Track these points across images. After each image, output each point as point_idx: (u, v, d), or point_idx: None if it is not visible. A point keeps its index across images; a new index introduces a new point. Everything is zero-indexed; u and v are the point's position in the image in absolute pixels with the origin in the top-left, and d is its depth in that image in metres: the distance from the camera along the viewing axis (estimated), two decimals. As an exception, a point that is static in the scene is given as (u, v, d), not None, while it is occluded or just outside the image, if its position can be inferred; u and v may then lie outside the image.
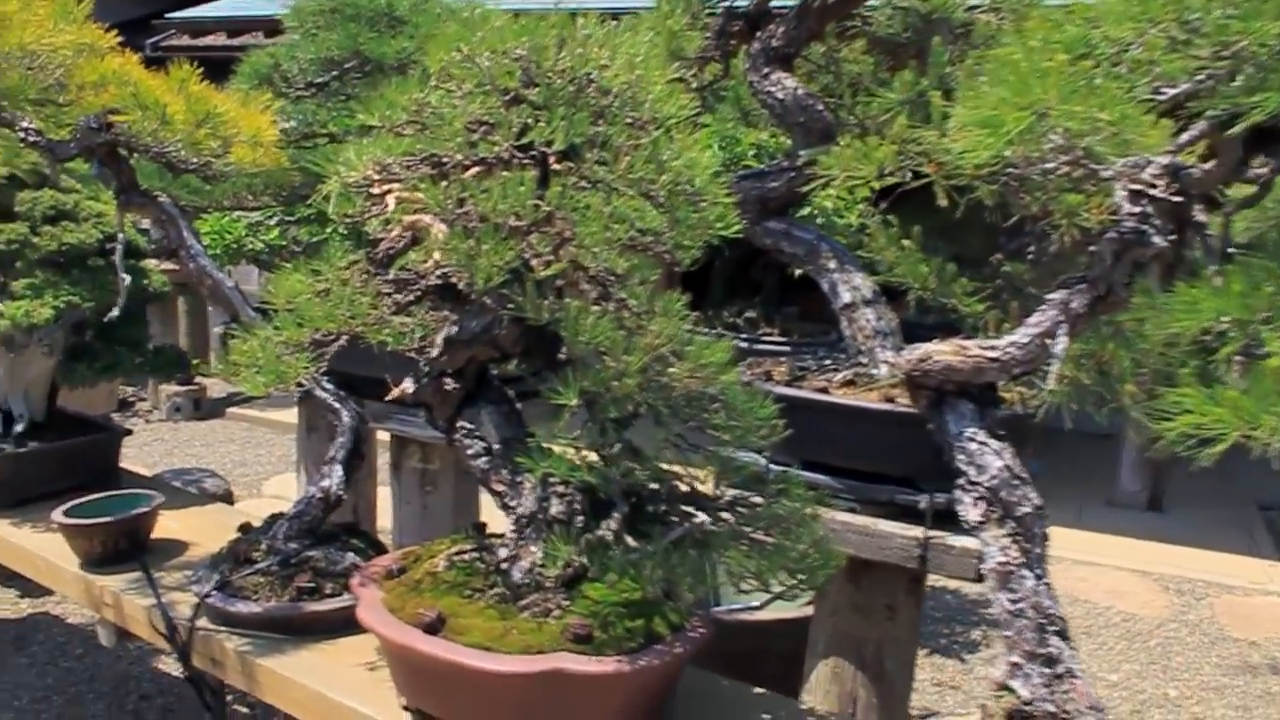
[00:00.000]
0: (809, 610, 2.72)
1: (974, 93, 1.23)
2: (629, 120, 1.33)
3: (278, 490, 5.72)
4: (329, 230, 3.50)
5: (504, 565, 1.61)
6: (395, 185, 1.52)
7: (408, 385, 1.71)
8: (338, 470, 2.01)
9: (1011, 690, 1.44)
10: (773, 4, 2.41)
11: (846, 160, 1.91)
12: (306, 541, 2.00)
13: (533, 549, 1.61)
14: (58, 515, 2.20)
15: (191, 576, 2.04)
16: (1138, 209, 1.38)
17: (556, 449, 1.67)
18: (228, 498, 4.61)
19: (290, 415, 7.58)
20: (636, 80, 1.34)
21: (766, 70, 2.30)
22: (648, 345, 1.30)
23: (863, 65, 2.67)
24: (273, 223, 3.65)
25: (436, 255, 1.49)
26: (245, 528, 2.13)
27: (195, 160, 1.87)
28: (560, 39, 1.33)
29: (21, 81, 1.64)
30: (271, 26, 6.78)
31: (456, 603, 1.56)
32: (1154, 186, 1.23)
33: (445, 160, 1.39)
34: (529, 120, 1.28)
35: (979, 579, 2.18)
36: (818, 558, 1.56)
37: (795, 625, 2.95)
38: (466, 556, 1.68)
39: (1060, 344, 1.38)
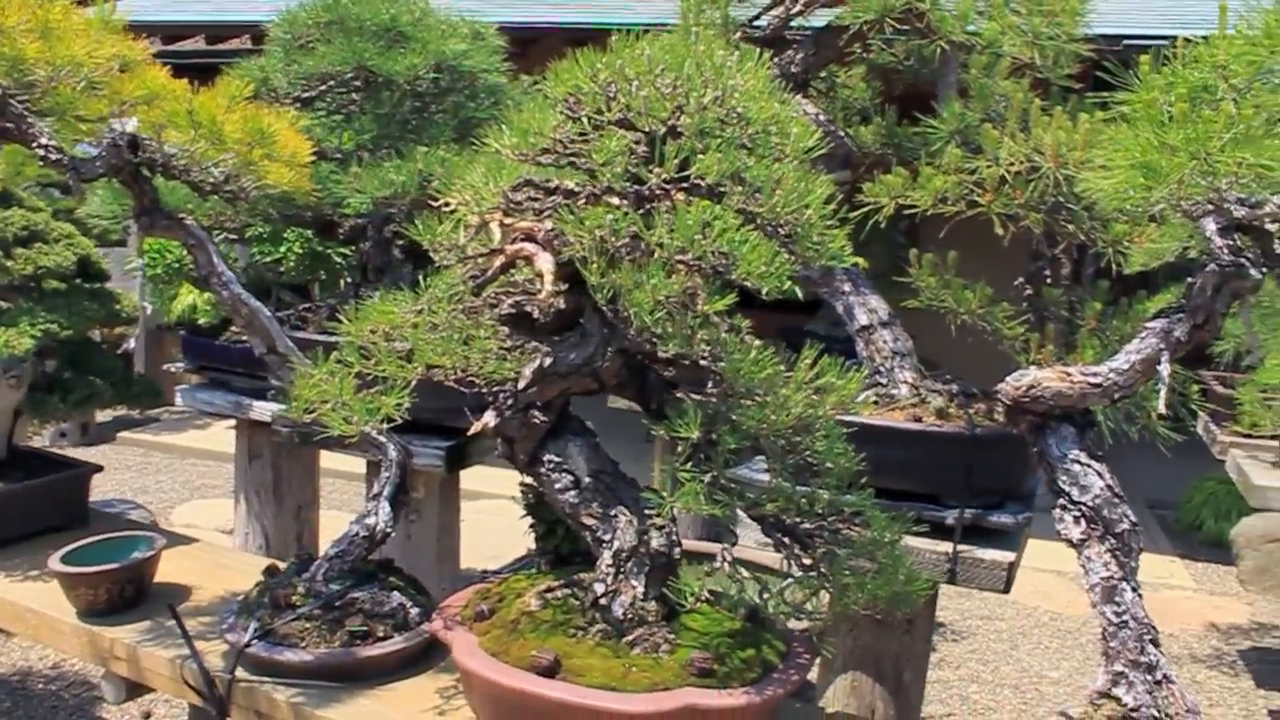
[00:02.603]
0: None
1: (1117, 135, 1.28)
2: (773, 155, 1.33)
3: (189, 519, 5.40)
4: (284, 249, 3.35)
5: (602, 601, 1.58)
6: (499, 214, 1.47)
7: (489, 418, 1.65)
8: (384, 507, 1.92)
9: (1114, 698, 1.50)
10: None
11: (896, 188, 1.96)
12: (349, 582, 1.90)
13: (634, 583, 1.58)
14: (54, 563, 2.03)
15: (221, 624, 1.91)
16: (1229, 242, 1.47)
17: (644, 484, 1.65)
18: (153, 529, 4.32)
19: (188, 439, 7.20)
20: (776, 113, 1.34)
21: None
22: (801, 381, 1.30)
23: (858, 92, 2.74)
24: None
25: (549, 285, 1.46)
26: (272, 570, 2.02)
27: (237, 182, 1.76)
28: (704, 68, 1.31)
29: (73, 96, 1.52)
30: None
31: (565, 643, 1.52)
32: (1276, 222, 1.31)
33: (578, 191, 1.36)
34: (689, 153, 1.26)
35: (1006, 590, 2.27)
36: (921, 583, 1.59)
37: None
38: (559, 594, 1.63)
39: (1166, 369, 1.45)
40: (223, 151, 1.69)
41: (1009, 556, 2.17)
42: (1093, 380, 1.50)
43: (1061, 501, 1.54)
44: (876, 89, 2.72)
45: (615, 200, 1.40)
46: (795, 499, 1.52)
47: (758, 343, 1.31)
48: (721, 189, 1.33)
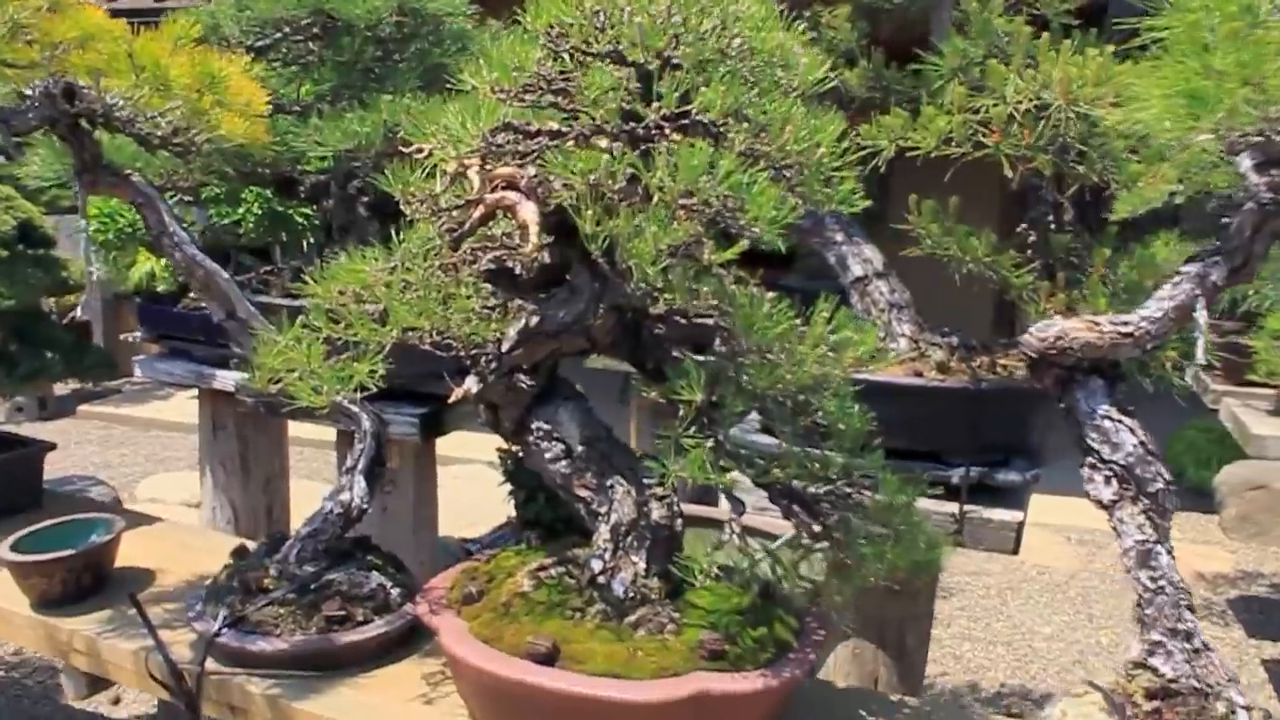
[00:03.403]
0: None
1: (1151, 64, 1.17)
2: (780, 90, 1.20)
3: (154, 493, 5.24)
4: (242, 210, 3.18)
5: (601, 579, 1.47)
6: (478, 160, 1.34)
7: (470, 384, 1.52)
8: (359, 482, 1.80)
9: (1150, 668, 1.41)
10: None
11: (897, 130, 1.84)
12: (324, 563, 1.78)
13: (634, 559, 1.47)
14: (4, 551, 1.88)
15: (187, 611, 1.78)
16: (1265, 179, 1.36)
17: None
18: (116, 506, 4.16)
19: (150, 410, 7.00)
20: (782, 44, 1.21)
21: (775, 36, 2.20)
22: (818, 336, 1.18)
23: (843, 34, 2.62)
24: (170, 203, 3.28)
25: (534, 238, 1.32)
26: (241, 551, 1.89)
27: (188, 134, 1.61)
28: (701, -5, 1.18)
29: (-5, 39, 1.36)
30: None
31: (562, 626, 1.40)
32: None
33: (565, 132, 1.23)
34: (688, 88, 1.13)
35: (1015, 551, 2.18)
36: (942, 548, 1.50)
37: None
38: (553, 572, 1.52)
39: (1203, 316, 1.35)
40: (169, 99, 1.53)
41: (1017, 515, 2.09)
42: (1124, 330, 1.39)
43: (1090, 460, 1.44)
44: (863, 30, 2.60)
45: (605, 142, 1.27)
46: (807, 463, 1.41)
47: (770, 295, 1.19)
48: (722, 127, 1.20)
